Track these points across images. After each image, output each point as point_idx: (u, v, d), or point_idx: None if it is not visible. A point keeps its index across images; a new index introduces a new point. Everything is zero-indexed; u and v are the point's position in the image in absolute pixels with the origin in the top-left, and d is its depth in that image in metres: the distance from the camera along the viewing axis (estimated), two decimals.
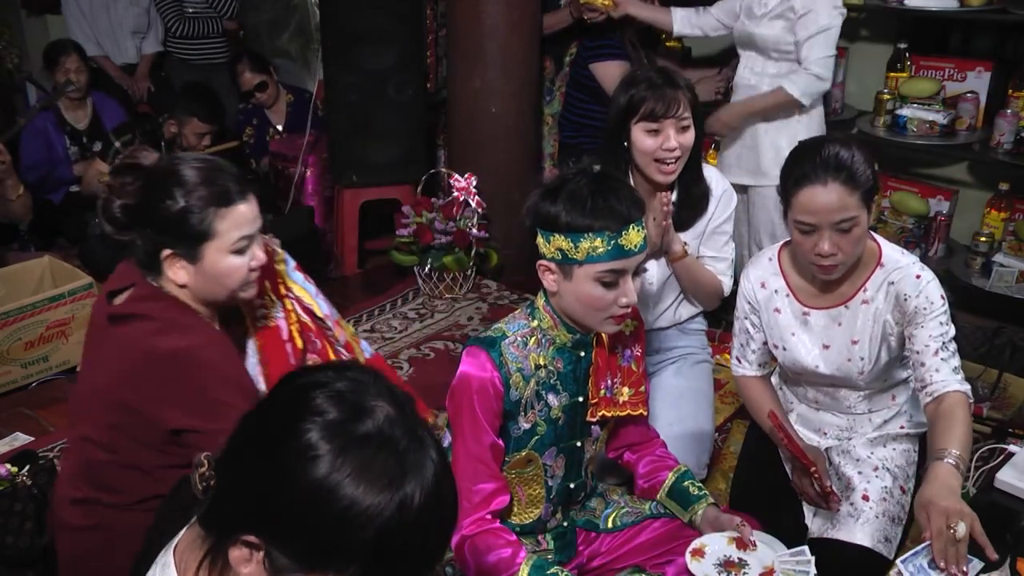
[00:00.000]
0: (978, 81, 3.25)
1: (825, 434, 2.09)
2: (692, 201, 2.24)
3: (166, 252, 1.58)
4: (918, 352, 1.82)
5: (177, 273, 1.60)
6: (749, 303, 2.01)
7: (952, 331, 1.83)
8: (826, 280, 1.88)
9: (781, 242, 2.02)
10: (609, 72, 3.36)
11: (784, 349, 1.98)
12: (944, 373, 1.79)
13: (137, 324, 1.59)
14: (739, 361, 2.10)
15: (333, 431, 0.88)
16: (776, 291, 1.97)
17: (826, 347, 1.94)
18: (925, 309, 1.81)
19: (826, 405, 2.07)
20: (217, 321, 1.72)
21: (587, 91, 3.49)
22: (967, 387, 1.79)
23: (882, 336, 1.89)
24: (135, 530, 1.62)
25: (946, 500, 1.51)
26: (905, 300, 1.83)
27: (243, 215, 1.60)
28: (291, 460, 0.87)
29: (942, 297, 1.83)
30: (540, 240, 1.64)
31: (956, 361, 1.81)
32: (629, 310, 1.64)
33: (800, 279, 1.95)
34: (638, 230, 1.60)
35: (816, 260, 1.79)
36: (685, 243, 2.22)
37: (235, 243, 1.59)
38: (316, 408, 0.90)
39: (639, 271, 1.65)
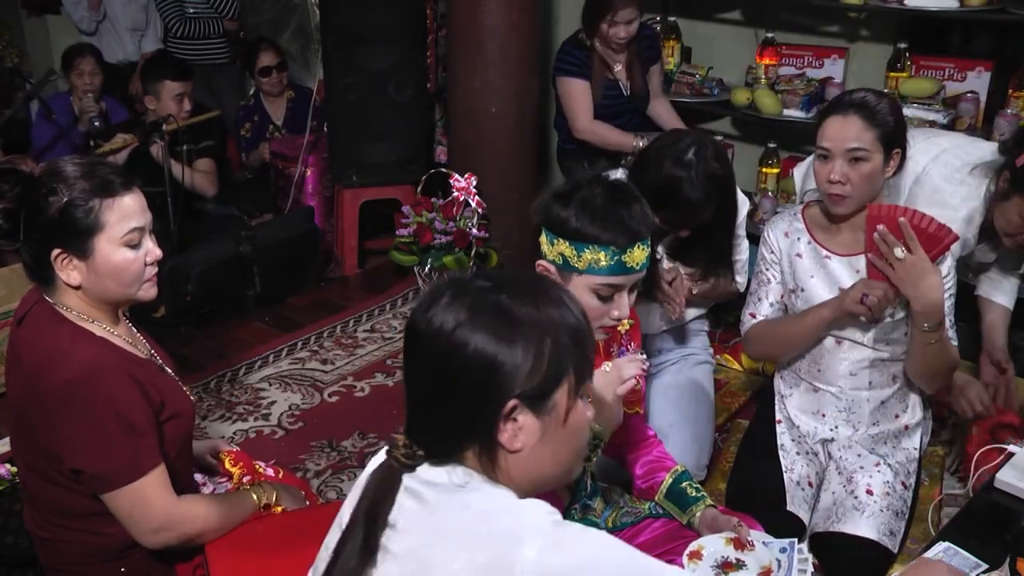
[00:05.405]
0: (978, 81, 3.24)
1: (823, 416, 2.11)
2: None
3: (55, 252, 1.53)
4: None
5: (70, 275, 1.54)
6: (772, 252, 2.12)
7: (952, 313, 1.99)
8: (838, 213, 1.98)
9: (807, 202, 2.15)
10: (567, 89, 3.34)
11: (802, 290, 2.07)
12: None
13: (27, 356, 1.56)
14: (752, 316, 2.15)
15: (454, 294, 1.04)
16: (799, 239, 2.09)
17: (842, 290, 2.00)
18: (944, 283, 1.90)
19: (826, 375, 2.09)
20: (121, 325, 1.66)
21: None
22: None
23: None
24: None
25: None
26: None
27: (129, 206, 1.55)
28: (461, 345, 1.01)
29: (955, 282, 1.99)
30: (543, 240, 1.63)
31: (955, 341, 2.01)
32: (619, 323, 1.63)
33: (821, 232, 2.07)
34: (643, 248, 1.58)
35: (827, 188, 1.94)
36: (691, 280, 2.27)
37: (126, 235, 1.54)
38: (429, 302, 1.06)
39: (635, 288, 1.64)
